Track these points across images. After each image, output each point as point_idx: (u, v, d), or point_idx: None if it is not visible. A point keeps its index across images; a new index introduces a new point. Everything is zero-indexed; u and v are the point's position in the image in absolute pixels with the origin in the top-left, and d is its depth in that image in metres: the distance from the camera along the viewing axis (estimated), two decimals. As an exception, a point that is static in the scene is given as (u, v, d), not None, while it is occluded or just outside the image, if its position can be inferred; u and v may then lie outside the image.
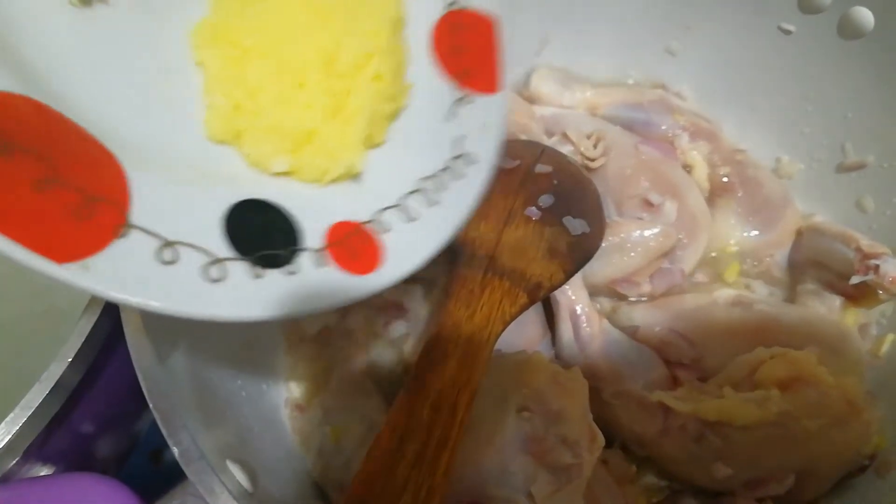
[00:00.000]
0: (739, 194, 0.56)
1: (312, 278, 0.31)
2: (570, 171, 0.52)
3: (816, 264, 0.52)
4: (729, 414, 0.44)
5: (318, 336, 0.52)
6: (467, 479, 0.40)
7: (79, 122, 0.29)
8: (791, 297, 0.54)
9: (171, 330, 0.38)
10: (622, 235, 0.51)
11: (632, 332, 0.50)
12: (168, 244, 0.28)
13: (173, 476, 0.33)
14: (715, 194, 0.56)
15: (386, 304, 0.54)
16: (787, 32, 0.53)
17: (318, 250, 0.32)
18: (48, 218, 0.26)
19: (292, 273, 0.31)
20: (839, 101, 0.53)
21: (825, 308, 0.51)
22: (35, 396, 0.38)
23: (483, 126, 0.37)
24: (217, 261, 0.29)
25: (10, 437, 0.37)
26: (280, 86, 0.33)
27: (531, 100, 0.59)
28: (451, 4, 0.36)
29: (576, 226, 0.48)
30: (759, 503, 0.45)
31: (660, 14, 0.57)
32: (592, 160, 0.54)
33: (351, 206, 0.34)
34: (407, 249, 0.34)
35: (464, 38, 0.36)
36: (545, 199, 0.49)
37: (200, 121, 0.33)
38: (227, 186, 0.31)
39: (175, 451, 0.32)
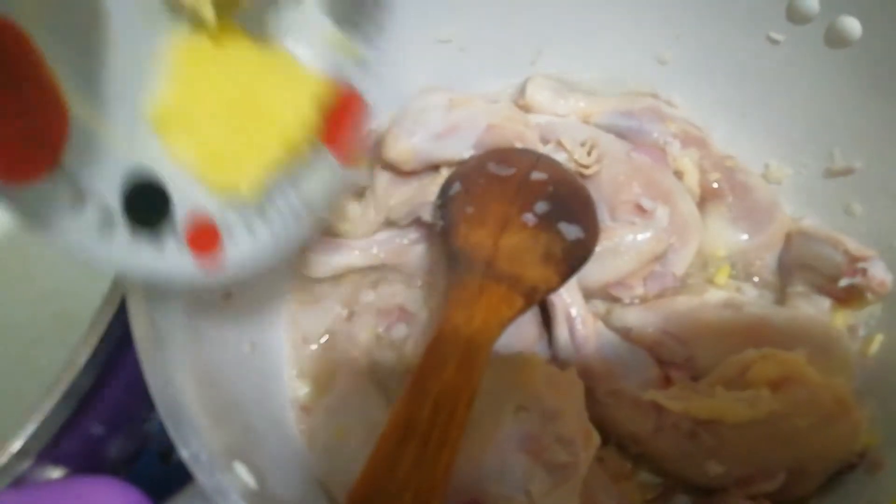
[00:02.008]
0: (729, 199, 0.57)
1: (173, 249, 0.34)
2: (565, 178, 0.53)
3: (805, 267, 0.53)
4: (721, 413, 0.45)
5: (321, 339, 0.53)
6: (466, 477, 0.41)
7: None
8: (781, 300, 0.55)
9: (178, 334, 0.39)
10: (615, 240, 0.52)
11: (625, 334, 0.51)
12: (82, 189, 0.31)
13: (183, 476, 0.34)
14: (705, 199, 0.57)
15: (388, 308, 0.55)
16: (776, 42, 0.54)
17: (178, 225, 0.34)
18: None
19: (156, 238, 0.33)
20: (827, 108, 0.54)
21: (814, 310, 0.52)
22: (48, 401, 0.39)
23: (322, 181, 0.37)
24: (111, 215, 0.32)
25: (23, 440, 0.38)
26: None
27: (526, 108, 0.60)
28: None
29: (571, 231, 0.49)
30: (751, 500, 0.46)
31: (651, 24, 0.58)
32: (586, 167, 0.55)
33: (208, 199, 0.35)
34: (235, 256, 0.36)
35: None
36: (541, 206, 0.50)
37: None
38: (135, 148, 0.33)
39: (183, 453, 0.33)
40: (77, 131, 0.31)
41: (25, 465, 0.39)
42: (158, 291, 0.38)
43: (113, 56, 0.32)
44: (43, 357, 0.53)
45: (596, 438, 0.44)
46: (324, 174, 0.36)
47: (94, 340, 0.40)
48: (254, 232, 0.36)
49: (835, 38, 0.51)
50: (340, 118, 0.36)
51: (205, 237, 0.35)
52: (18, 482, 0.39)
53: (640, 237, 0.52)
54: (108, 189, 0.32)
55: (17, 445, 0.38)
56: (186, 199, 0.34)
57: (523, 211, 0.49)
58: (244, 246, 0.36)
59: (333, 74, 0.35)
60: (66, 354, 0.40)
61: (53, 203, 0.31)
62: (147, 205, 0.33)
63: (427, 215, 0.53)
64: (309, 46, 0.35)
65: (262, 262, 0.36)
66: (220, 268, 0.35)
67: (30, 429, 0.38)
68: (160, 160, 0.34)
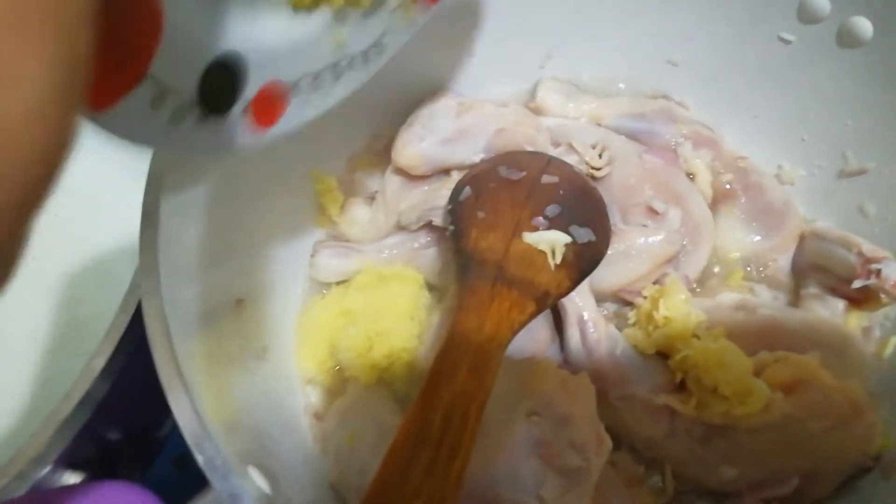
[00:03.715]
0: (742, 200, 0.56)
1: (234, 126, 0.33)
2: (576, 180, 0.53)
3: (819, 269, 0.53)
4: (734, 417, 0.45)
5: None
6: (479, 482, 0.41)
7: None
8: (794, 301, 0.54)
9: (192, 341, 0.39)
10: (627, 243, 0.52)
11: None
12: (164, 90, 0.30)
13: (197, 481, 0.34)
14: (718, 201, 0.57)
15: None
16: (787, 42, 0.54)
17: (248, 101, 0.34)
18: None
19: (223, 121, 0.33)
20: (839, 108, 0.54)
21: (828, 312, 0.51)
22: (65, 408, 0.39)
23: (406, 25, 0.38)
24: (185, 106, 0.31)
25: (41, 447, 0.39)
26: None
27: (537, 111, 0.60)
28: None
29: (582, 234, 0.49)
30: (766, 504, 0.46)
31: (661, 26, 0.58)
32: (597, 169, 0.55)
33: (290, 65, 0.35)
34: (294, 114, 0.36)
35: None
36: (552, 209, 0.50)
37: None
38: (218, 37, 0.32)
39: (199, 459, 0.33)
40: (169, 33, 0.29)
41: (43, 470, 0.40)
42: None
43: None
44: (59, 364, 0.54)
45: (608, 443, 0.44)
46: (409, 14, 0.36)
47: (109, 348, 0.41)
48: (321, 86, 0.36)
49: (846, 39, 0.51)
50: None
51: (270, 108, 0.35)
52: (37, 487, 0.39)
53: (652, 240, 0.52)
54: (188, 83, 0.31)
55: (35, 451, 0.39)
56: (265, 70, 0.34)
57: (534, 214, 0.49)
58: (307, 104, 0.36)
59: None
60: (82, 362, 0.41)
61: (133, 110, 0.29)
62: (221, 88, 0.32)
63: (438, 219, 0.53)
64: None
65: (314, 117, 0.37)
66: (274, 131, 0.35)
67: (47, 435, 0.39)
68: (249, 36, 0.33)
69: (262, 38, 0.33)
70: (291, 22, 0.34)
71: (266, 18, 0.34)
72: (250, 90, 0.34)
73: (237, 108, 0.33)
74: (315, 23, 0.35)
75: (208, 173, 0.42)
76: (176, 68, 0.30)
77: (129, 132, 0.29)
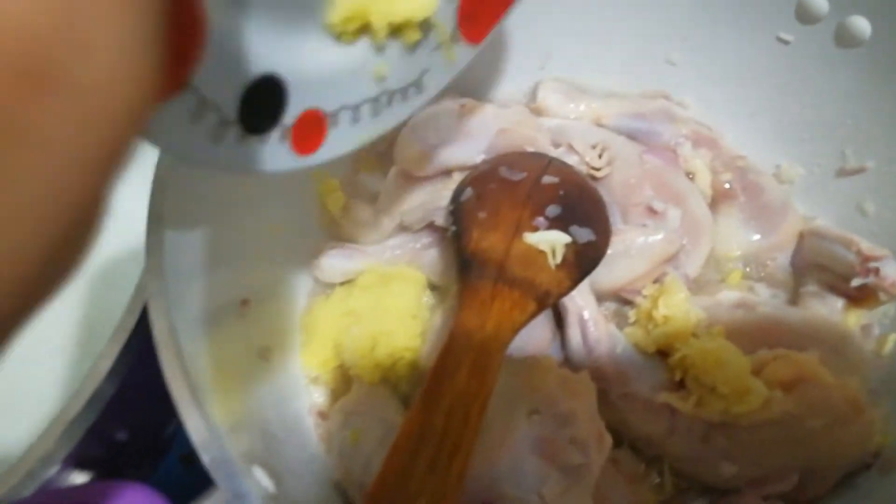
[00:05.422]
0: (741, 200, 0.57)
1: (272, 149, 0.33)
2: (576, 181, 0.54)
3: (818, 267, 0.53)
4: (733, 415, 0.45)
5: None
6: (480, 479, 0.41)
7: None
8: (794, 300, 0.55)
9: (198, 341, 0.40)
10: (627, 242, 0.52)
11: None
12: (205, 103, 0.29)
13: (205, 479, 0.35)
14: (717, 200, 0.57)
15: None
16: (786, 42, 0.54)
17: (287, 127, 0.34)
18: None
19: (262, 141, 0.33)
20: (838, 107, 0.54)
21: (827, 310, 0.52)
22: (73, 408, 0.40)
23: (447, 66, 0.38)
24: (225, 123, 0.30)
25: (49, 446, 0.39)
26: None
27: (537, 112, 0.60)
28: None
29: (582, 234, 0.49)
30: (765, 501, 0.46)
31: (660, 26, 0.58)
32: (598, 170, 0.56)
33: (330, 95, 0.35)
34: (331, 146, 0.36)
35: None
36: (552, 210, 0.50)
37: None
38: (261, 56, 0.32)
39: (205, 459, 0.34)
40: (212, 45, 0.28)
41: (52, 470, 0.40)
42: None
43: None
44: (67, 364, 0.54)
45: (608, 440, 0.44)
46: (450, 55, 0.36)
47: (116, 348, 0.41)
48: (360, 120, 0.36)
49: (845, 38, 0.51)
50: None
51: (309, 136, 0.35)
52: (45, 487, 0.40)
53: (651, 239, 0.52)
54: (229, 100, 0.30)
55: (43, 451, 0.39)
56: (305, 96, 0.34)
57: (535, 215, 0.50)
58: (345, 136, 0.36)
59: None
60: (89, 363, 0.41)
61: (173, 120, 0.28)
62: (261, 109, 0.32)
63: (440, 220, 0.54)
64: None
65: (354, 148, 0.37)
66: (314, 158, 0.35)
67: (55, 435, 0.39)
68: (291, 60, 0.33)
69: (304, 63, 0.33)
70: (334, 51, 0.34)
71: (309, 44, 0.34)
72: (290, 116, 0.34)
73: (276, 133, 0.33)
74: (357, 54, 0.35)
75: (213, 176, 0.43)
76: (218, 82, 0.30)
77: (166, 142, 0.29)
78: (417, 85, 0.38)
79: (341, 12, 0.33)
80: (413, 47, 0.36)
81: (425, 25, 0.35)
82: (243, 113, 0.31)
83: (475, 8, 0.36)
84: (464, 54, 0.37)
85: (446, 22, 0.36)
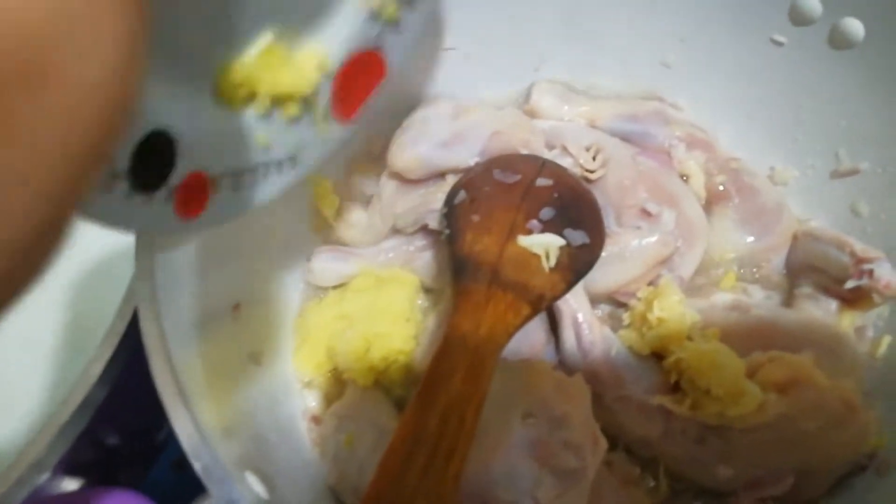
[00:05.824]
0: (735, 201, 0.57)
1: (157, 209, 0.34)
2: (570, 183, 0.54)
3: (812, 269, 0.53)
4: (728, 417, 0.45)
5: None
6: (475, 483, 0.41)
7: None
8: (788, 301, 0.55)
9: (189, 345, 0.39)
10: (621, 245, 0.52)
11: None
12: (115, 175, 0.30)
13: (196, 484, 0.35)
14: (711, 202, 0.57)
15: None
16: (779, 44, 0.54)
17: (173, 188, 0.34)
18: None
19: (148, 200, 0.33)
20: (832, 109, 0.54)
21: (821, 311, 0.52)
22: (63, 413, 0.39)
23: (322, 142, 0.39)
24: (115, 175, 0.31)
25: (40, 452, 0.39)
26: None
27: (531, 114, 0.60)
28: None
29: (576, 237, 0.49)
30: (761, 503, 0.46)
31: (654, 28, 0.58)
32: (592, 172, 0.55)
33: (216, 157, 0.36)
34: (213, 213, 0.37)
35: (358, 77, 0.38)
36: (546, 212, 0.50)
37: None
38: (154, 112, 0.33)
39: (196, 465, 0.34)
40: None
41: (43, 477, 0.40)
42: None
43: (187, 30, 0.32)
44: (57, 370, 0.54)
45: (603, 443, 0.44)
46: (325, 130, 0.37)
47: (107, 353, 0.41)
48: (240, 189, 0.37)
49: (838, 40, 0.51)
50: (356, 78, 0.37)
51: (192, 200, 0.35)
52: (36, 494, 0.40)
53: (646, 241, 0.52)
54: (121, 151, 0.31)
55: (34, 457, 0.39)
56: (193, 157, 0.34)
57: (529, 218, 0.50)
58: (225, 205, 0.37)
59: (360, 36, 0.35)
60: (80, 367, 0.41)
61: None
62: (151, 164, 0.32)
63: (433, 223, 0.53)
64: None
65: (235, 217, 0.38)
66: (194, 223, 0.36)
67: (46, 441, 0.39)
68: (185, 118, 0.34)
69: (195, 123, 0.34)
70: (223, 114, 0.35)
71: (202, 105, 0.35)
72: (177, 176, 0.34)
73: (162, 192, 0.34)
74: (244, 121, 0.36)
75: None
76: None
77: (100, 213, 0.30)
78: (293, 159, 0.39)
79: (233, 78, 0.35)
80: (293, 121, 0.37)
81: (305, 102, 0.37)
82: (135, 167, 0.31)
83: (347, 89, 0.37)
84: (336, 132, 0.38)
85: (322, 100, 0.37)
